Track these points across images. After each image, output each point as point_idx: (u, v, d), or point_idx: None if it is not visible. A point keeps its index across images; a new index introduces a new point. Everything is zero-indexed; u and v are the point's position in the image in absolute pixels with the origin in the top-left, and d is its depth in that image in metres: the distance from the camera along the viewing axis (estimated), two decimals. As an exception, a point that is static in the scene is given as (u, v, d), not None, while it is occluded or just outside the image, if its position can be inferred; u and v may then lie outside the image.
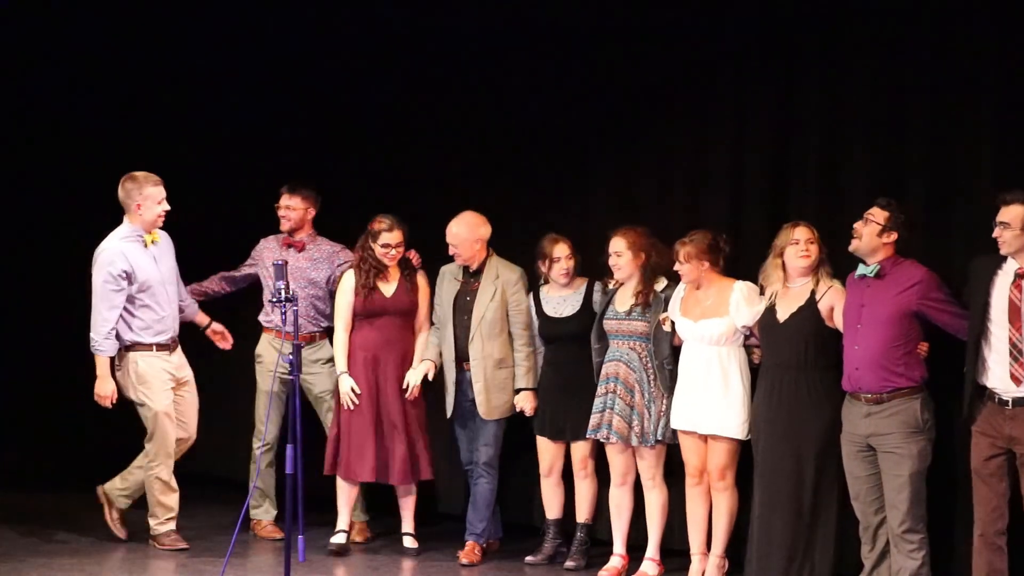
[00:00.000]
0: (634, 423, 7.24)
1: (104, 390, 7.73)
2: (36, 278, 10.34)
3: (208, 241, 8.83)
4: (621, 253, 7.28)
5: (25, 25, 9.63)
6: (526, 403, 7.65)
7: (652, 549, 7.36)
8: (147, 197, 7.71)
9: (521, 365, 7.65)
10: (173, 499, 7.88)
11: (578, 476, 7.64)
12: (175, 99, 9.60)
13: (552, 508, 7.74)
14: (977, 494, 6.28)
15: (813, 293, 6.78)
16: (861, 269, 6.60)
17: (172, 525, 7.89)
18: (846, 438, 6.64)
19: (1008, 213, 6.16)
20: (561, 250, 7.55)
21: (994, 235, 6.19)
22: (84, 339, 7.82)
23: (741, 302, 7.01)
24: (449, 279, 7.80)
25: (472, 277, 7.74)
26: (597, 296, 7.55)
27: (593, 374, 7.45)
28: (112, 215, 7.89)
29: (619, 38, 7.89)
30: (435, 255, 7.91)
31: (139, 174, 7.75)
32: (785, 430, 6.77)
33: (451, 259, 7.78)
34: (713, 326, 7.03)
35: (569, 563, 7.56)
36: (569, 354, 7.57)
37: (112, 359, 7.79)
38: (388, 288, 7.87)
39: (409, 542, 7.91)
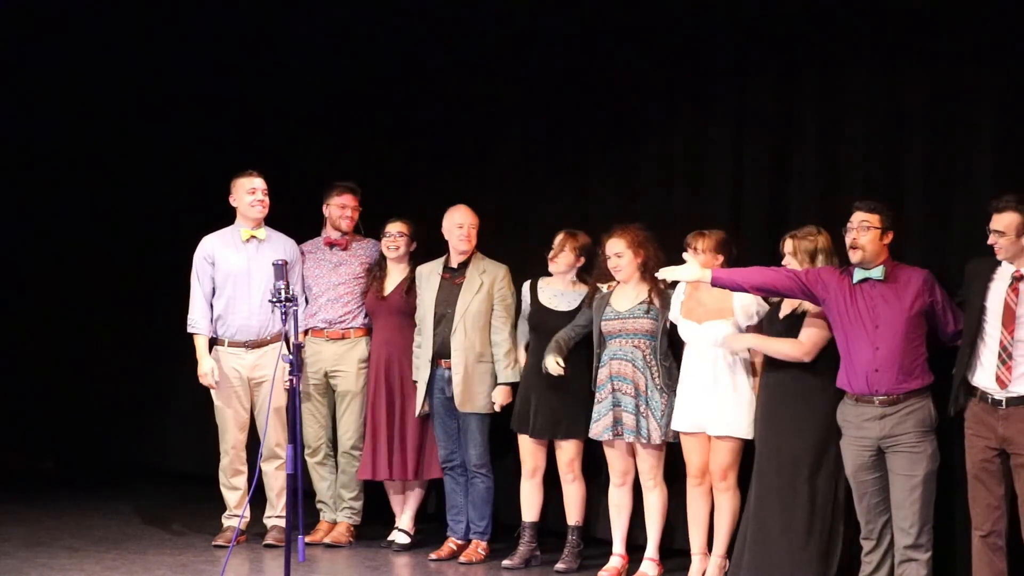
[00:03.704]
0: (641, 422, 7.21)
1: (200, 369, 7.83)
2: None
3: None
4: (622, 253, 7.24)
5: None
6: (499, 396, 7.62)
7: (652, 549, 7.33)
8: (237, 187, 7.85)
9: (501, 360, 7.62)
10: (229, 496, 8.00)
11: (565, 479, 7.58)
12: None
13: (530, 510, 7.67)
14: (973, 496, 6.26)
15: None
16: (863, 273, 6.48)
17: (231, 522, 7.97)
18: (851, 442, 6.54)
19: (1001, 221, 6.12)
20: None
21: (989, 242, 6.17)
22: (88, 345, 7.80)
23: (744, 302, 6.98)
24: (427, 277, 7.79)
25: (455, 272, 7.75)
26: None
27: (582, 372, 7.39)
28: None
29: (619, 37, 7.89)
30: (432, 251, 7.91)
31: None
32: (784, 428, 6.74)
33: (429, 258, 7.85)
34: (718, 328, 6.98)
35: (560, 565, 7.47)
36: None
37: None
38: (386, 288, 7.89)
39: (401, 537, 7.95)
